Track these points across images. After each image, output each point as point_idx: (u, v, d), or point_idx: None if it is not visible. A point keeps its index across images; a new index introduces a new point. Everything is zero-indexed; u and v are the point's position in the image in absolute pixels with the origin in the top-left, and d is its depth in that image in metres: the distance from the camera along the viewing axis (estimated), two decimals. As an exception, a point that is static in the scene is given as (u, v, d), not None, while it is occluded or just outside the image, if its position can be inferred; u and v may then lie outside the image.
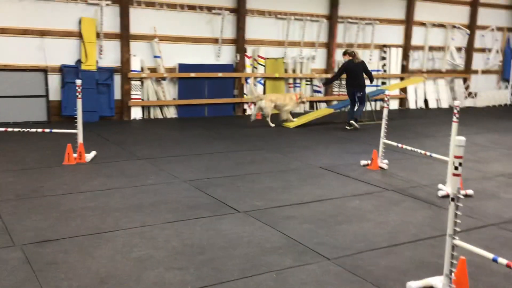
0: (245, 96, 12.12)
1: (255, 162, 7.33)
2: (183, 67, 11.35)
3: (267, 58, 12.32)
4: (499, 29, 16.09)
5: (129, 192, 5.66)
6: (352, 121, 10.46)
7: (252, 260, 3.97)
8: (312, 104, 13.18)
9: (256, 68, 12.21)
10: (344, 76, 10.89)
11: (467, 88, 15.50)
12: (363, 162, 7.32)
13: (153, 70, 11.11)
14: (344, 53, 10.73)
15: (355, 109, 10.64)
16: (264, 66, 12.28)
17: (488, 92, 15.88)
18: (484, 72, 16.03)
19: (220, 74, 11.69)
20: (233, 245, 4.25)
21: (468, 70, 15.55)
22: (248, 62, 12.09)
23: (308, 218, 5.01)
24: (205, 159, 7.40)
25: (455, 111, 5.82)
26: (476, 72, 15.77)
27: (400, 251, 4.27)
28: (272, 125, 10.48)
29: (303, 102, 11.09)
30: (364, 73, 10.53)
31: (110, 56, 10.62)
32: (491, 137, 10.12)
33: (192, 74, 11.35)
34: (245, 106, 12.22)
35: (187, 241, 4.31)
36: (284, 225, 4.78)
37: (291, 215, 5.06)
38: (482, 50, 15.93)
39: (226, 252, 4.10)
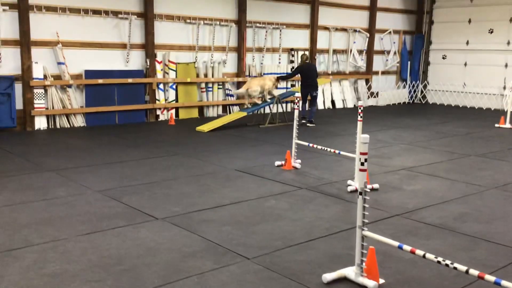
0: (157, 101, 11.96)
1: (170, 167, 7.27)
2: (90, 74, 10.96)
3: (178, 63, 12.25)
4: (396, 32, 17.26)
5: (38, 206, 5.38)
6: (304, 121, 11.57)
7: (173, 266, 3.96)
8: (225, 108, 13.30)
9: (167, 73, 12.09)
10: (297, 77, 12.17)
11: (369, 88, 16.45)
12: (277, 162, 7.53)
13: (57, 77, 10.62)
14: (301, 57, 11.92)
15: (310, 110, 11.79)
16: (175, 71, 12.20)
17: (388, 91, 16.98)
18: (383, 73, 17.11)
19: (130, 80, 11.43)
20: (152, 253, 4.20)
21: (369, 71, 16.51)
22: (158, 67, 11.95)
23: (227, 220, 5.07)
24: (118, 167, 7.22)
25: (360, 110, 6.19)
26: (377, 73, 16.79)
27: (315, 245, 4.46)
28: (260, 102, 11.37)
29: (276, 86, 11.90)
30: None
31: (9, 64, 10.01)
32: (392, 133, 10.83)
33: (100, 81, 11.00)
34: (158, 112, 12.05)
35: (103, 252, 4.19)
36: (203, 229, 4.81)
37: (210, 219, 5.10)
38: (381, 52, 16.99)
39: (145, 260, 4.05)
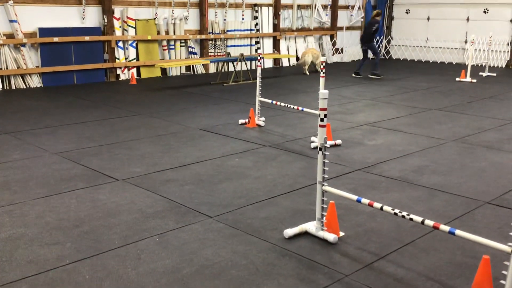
0: (117, 60, 11.59)
1: (132, 128, 7.12)
2: (44, 32, 10.49)
3: (137, 20, 11.84)
4: (360, -13, 17.09)
5: (-7, 170, 5.20)
6: (370, 75, 12.71)
7: (134, 227, 3.91)
8: (189, 67, 13.03)
9: (126, 30, 11.68)
10: None
11: (334, 44, 16.37)
12: (241, 121, 7.47)
13: (9, 36, 10.12)
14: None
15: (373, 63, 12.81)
16: (134, 28, 11.79)
17: (352, 47, 16.95)
18: (348, 28, 17.02)
19: (87, 38, 11.00)
20: (112, 214, 4.14)
21: (334, 27, 16.39)
22: (116, 24, 11.51)
23: (189, 179, 5.03)
24: (78, 128, 7.02)
25: (322, 66, 6.15)
26: (341, 29, 16.69)
27: (277, 202, 4.49)
28: (308, 73, 13.07)
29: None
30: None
31: (-44, 21, 9.46)
32: (356, 89, 10.88)
33: (56, 39, 10.55)
34: (118, 71, 11.70)
35: (62, 215, 4.10)
36: (165, 189, 4.76)
37: (172, 178, 5.04)
38: (346, 7, 16.85)
39: (106, 222, 3.99)
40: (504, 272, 2.76)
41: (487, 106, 9.08)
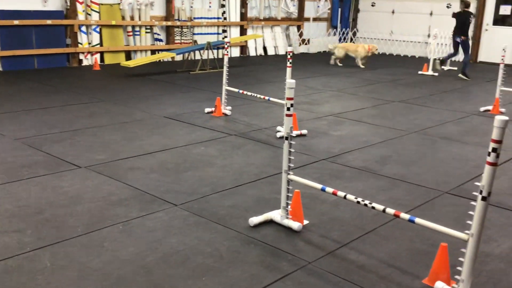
0: (80, 45, 11.31)
1: (95, 115, 6.98)
2: (4, 14, 10.11)
3: (101, 4, 11.56)
4: (327, -22, 17.18)
5: None
6: (460, 75, 11.95)
7: (97, 214, 3.86)
8: (154, 53, 12.82)
9: (89, 14, 11.39)
10: None
11: (300, 35, 16.44)
12: (207, 109, 7.44)
13: (-34, 16, 9.72)
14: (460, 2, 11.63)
15: (462, 62, 12.01)
16: (98, 12, 11.51)
17: (319, 38, 17.07)
18: (315, 19, 17.12)
19: (49, 22, 10.67)
20: (74, 202, 4.06)
21: (301, 18, 16.45)
22: (80, 8, 11.21)
23: (154, 167, 4.99)
24: (39, 114, 6.83)
25: (288, 56, 6.18)
26: (308, 20, 16.77)
27: (243, 191, 4.50)
28: (340, 65, 13.53)
29: (373, 53, 13.67)
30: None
31: None
32: (322, 80, 10.98)
33: (16, 22, 10.19)
34: (81, 56, 11.42)
35: (22, 202, 4.00)
36: (129, 176, 4.70)
37: (137, 166, 4.99)
38: (313, -2, 16.93)
39: (68, 210, 3.91)
40: (461, 259, 2.86)
41: (447, 99, 9.34)
